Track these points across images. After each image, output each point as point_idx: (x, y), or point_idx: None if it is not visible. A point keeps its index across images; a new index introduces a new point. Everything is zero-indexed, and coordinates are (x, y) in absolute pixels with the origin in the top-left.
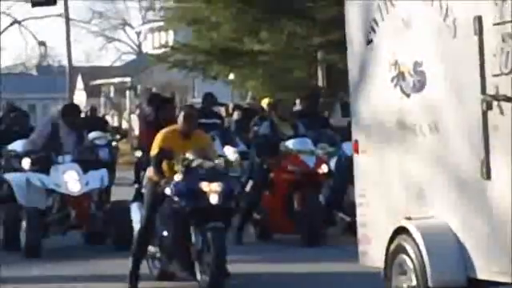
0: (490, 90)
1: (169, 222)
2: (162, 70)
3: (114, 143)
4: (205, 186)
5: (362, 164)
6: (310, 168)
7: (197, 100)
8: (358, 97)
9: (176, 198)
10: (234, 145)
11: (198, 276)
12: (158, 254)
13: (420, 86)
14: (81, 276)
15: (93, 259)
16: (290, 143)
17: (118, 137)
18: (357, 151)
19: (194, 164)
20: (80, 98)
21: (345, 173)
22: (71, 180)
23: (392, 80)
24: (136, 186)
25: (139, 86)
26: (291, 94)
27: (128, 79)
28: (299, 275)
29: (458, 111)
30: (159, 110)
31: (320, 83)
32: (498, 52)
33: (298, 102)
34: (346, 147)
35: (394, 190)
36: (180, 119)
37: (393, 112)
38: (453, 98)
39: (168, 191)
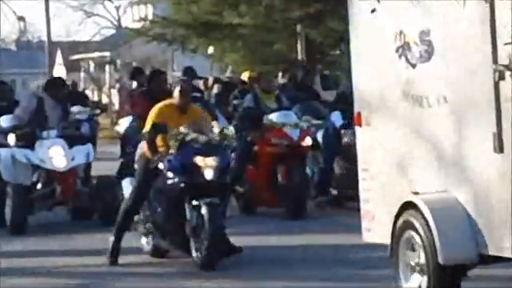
0: (502, 60)
1: (162, 198)
2: (142, 44)
3: (94, 118)
4: (199, 160)
5: (365, 137)
6: (294, 141)
7: (176, 74)
8: (360, 68)
9: (170, 174)
10: (214, 118)
11: (193, 253)
12: (152, 230)
13: (427, 56)
14: (63, 251)
15: (78, 235)
16: (274, 116)
17: (98, 111)
18: (359, 124)
19: (188, 138)
20: (59, 72)
21: (332, 145)
22: (57, 155)
23: (397, 50)
24: (121, 160)
25: (119, 61)
26: (271, 67)
27: (107, 54)
28: (284, 248)
29: (467, 82)
30: (151, 81)
31: (299, 56)
32: (510, 20)
33: (280, 75)
34: (335, 119)
35: (399, 163)
36: (176, 93)
37: (398, 83)
38: (462, 69)
39: (161, 166)
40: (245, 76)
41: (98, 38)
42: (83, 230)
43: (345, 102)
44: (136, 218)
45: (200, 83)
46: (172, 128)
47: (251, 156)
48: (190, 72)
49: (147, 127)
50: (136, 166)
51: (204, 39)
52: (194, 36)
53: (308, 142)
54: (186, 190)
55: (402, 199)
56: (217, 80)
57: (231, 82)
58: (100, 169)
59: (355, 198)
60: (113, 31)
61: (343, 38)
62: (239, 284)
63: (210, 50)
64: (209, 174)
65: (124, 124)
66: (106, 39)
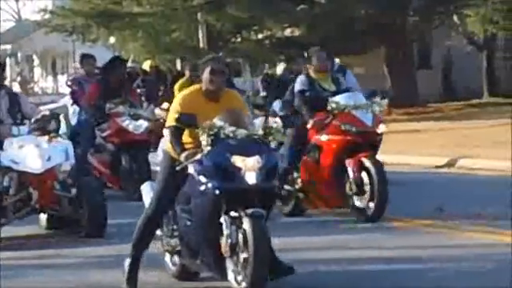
0: None
1: (192, 207)
2: (43, 36)
3: None
4: (239, 161)
5: None
6: (369, 127)
7: (78, 65)
8: None
9: (201, 178)
10: None
11: (230, 276)
12: (179, 247)
13: None
14: (49, 270)
15: (60, 248)
16: (341, 98)
17: None
18: None
19: (225, 133)
20: None
21: None
22: (30, 155)
23: None
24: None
25: (19, 53)
26: (172, 56)
27: (8, 46)
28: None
29: None
30: (107, 68)
31: (201, 44)
32: None
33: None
34: None
35: None
36: (205, 76)
37: None
38: None
39: (191, 169)
40: (146, 65)
41: None
42: (66, 242)
43: None
44: (159, 232)
45: None
46: (201, 120)
47: (305, 148)
48: (86, 60)
49: (170, 120)
50: (158, 167)
51: (104, 29)
52: (94, 26)
53: (382, 128)
54: (223, 197)
55: None
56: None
57: (130, 72)
58: None
59: None
60: (13, 24)
61: (244, 25)
62: None
63: (111, 39)
64: (251, 178)
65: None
66: (7, 32)
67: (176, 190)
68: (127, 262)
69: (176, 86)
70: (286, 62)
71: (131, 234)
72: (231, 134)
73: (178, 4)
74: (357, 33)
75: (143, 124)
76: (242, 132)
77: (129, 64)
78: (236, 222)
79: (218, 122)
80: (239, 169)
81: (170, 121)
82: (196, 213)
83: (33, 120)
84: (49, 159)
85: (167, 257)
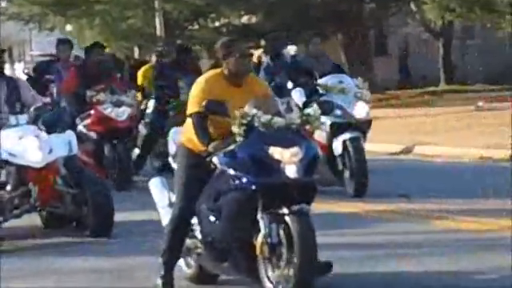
0: None
1: (223, 205)
2: None
3: None
4: (277, 152)
5: None
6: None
7: (34, 53)
8: None
9: (235, 172)
10: None
11: (265, 281)
12: (199, 250)
13: None
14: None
15: (63, 248)
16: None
17: None
18: None
19: (262, 121)
20: None
21: None
22: (30, 147)
23: None
24: None
25: None
26: (129, 43)
27: None
28: None
29: None
30: (87, 53)
31: (157, 31)
32: None
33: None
34: None
35: None
36: (232, 60)
37: None
38: None
39: (218, 162)
40: None
41: None
42: (70, 243)
43: None
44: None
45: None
46: (231, 107)
47: None
48: (62, 45)
49: (193, 107)
50: (173, 162)
51: (61, 17)
52: (50, 14)
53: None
54: (260, 193)
55: None
56: (77, 58)
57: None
58: None
59: None
60: None
61: (201, 12)
62: None
63: (68, 27)
64: (292, 171)
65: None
66: None
67: (200, 185)
68: (160, 274)
69: (140, 72)
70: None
71: (138, 233)
72: (267, 123)
73: None
74: (313, 20)
75: (126, 110)
76: (279, 121)
77: None
78: (277, 220)
79: (251, 109)
80: (278, 161)
81: (194, 108)
82: (227, 211)
83: (32, 109)
84: (50, 152)
85: (181, 259)
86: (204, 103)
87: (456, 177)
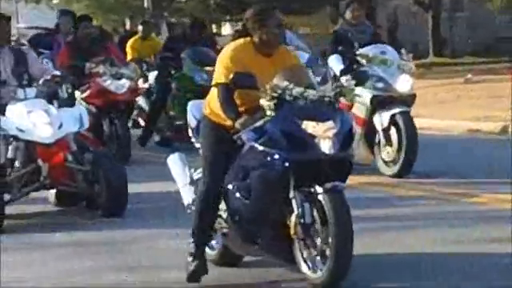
0: None
1: (254, 183)
2: None
3: None
4: (311, 127)
5: None
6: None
7: (21, 25)
8: None
9: (266, 148)
10: None
11: (301, 263)
12: (224, 230)
13: None
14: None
15: (73, 230)
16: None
17: None
18: None
19: (293, 94)
20: None
21: None
22: (39, 122)
23: None
24: None
25: None
26: (116, 16)
27: None
28: None
29: None
30: (77, 29)
31: (145, 3)
32: None
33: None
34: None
35: None
36: (265, 29)
37: None
38: None
39: (247, 138)
40: None
41: None
42: (80, 223)
43: None
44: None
45: None
46: (260, 79)
47: None
48: (64, 16)
49: (220, 77)
50: (195, 138)
51: None
52: None
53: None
54: (293, 170)
55: None
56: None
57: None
58: None
59: None
60: None
61: None
62: None
63: (55, 0)
64: (327, 147)
65: None
66: None
67: (227, 161)
68: (189, 259)
69: (128, 45)
70: (231, 21)
71: (149, 211)
72: (299, 96)
73: None
74: None
75: (125, 83)
76: (312, 93)
77: None
78: (310, 199)
79: (282, 81)
80: (312, 136)
81: (220, 78)
82: (257, 189)
83: (41, 81)
84: (60, 127)
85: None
86: (231, 76)
87: (448, 149)
